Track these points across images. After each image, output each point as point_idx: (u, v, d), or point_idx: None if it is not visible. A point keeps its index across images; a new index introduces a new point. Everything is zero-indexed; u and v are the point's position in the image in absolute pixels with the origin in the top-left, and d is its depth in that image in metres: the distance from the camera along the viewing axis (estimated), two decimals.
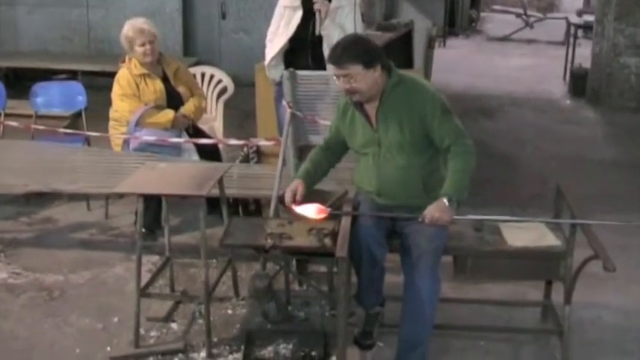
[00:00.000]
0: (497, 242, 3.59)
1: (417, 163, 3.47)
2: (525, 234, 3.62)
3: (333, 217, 3.47)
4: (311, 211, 3.44)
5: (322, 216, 3.43)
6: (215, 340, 3.76)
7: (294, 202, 3.50)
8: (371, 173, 3.53)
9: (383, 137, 3.47)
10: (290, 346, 3.66)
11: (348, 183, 3.90)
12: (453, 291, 4.13)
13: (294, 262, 4.13)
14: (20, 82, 7.85)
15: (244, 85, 6.36)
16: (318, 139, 4.19)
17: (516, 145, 7.33)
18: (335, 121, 3.69)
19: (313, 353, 3.62)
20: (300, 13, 4.83)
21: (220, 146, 5.23)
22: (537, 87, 10.12)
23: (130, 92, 4.87)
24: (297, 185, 3.54)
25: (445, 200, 3.32)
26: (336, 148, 3.71)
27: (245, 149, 5.26)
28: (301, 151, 4.44)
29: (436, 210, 3.32)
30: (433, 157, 3.51)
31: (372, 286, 3.60)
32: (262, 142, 5.18)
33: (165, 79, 5.00)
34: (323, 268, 4.14)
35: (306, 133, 4.52)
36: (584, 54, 10.18)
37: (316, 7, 4.77)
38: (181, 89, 5.06)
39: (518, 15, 15.37)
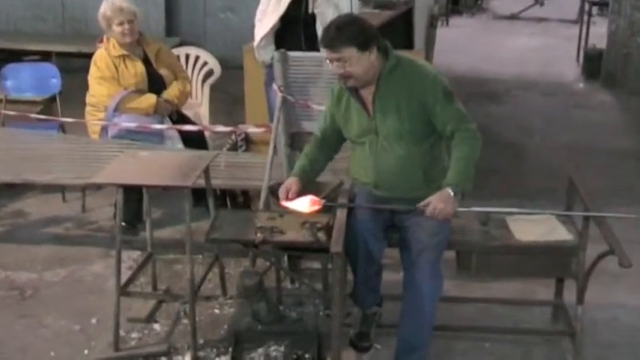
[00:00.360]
0: (504, 237, 3.60)
1: (417, 153, 3.46)
2: (534, 228, 3.63)
3: (328, 209, 3.47)
4: (304, 203, 3.43)
5: (316, 208, 3.42)
6: (201, 341, 3.77)
7: (287, 199, 3.49)
8: (368, 163, 3.53)
9: (380, 125, 3.46)
10: (281, 348, 3.67)
11: (344, 173, 3.90)
12: (456, 289, 4.14)
13: (285, 258, 4.14)
14: None
15: (232, 67, 6.34)
16: (311, 126, 4.19)
17: (524, 132, 7.33)
18: (330, 108, 3.66)
19: (306, 356, 3.63)
20: None
21: (206, 133, 5.24)
22: (548, 69, 10.12)
23: (108, 75, 4.86)
24: (291, 183, 3.53)
25: (449, 190, 3.30)
26: (333, 139, 3.69)
27: (233, 137, 5.26)
28: (293, 139, 4.45)
29: (439, 201, 3.30)
30: (434, 145, 3.50)
31: (369, 283, 3.61)
32: (251, 129, 5.18)
33: (146, 61, 4.99)
34: (317, 265, 4.16)
35: (298, 119, 4.52)
36: (598, 33, 10.19)
37: None
38: (164, 72, 5.06)
39: None
